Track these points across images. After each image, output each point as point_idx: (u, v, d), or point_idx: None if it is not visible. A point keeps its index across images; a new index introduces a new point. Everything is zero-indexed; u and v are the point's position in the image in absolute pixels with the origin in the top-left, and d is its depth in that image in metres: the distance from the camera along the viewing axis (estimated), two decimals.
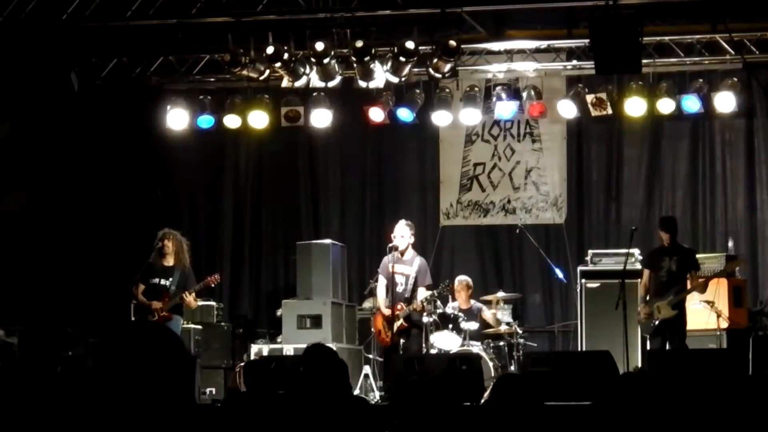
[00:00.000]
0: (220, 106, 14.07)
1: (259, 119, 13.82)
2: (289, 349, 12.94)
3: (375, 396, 12.20)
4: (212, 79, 14.25)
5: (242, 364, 12.59)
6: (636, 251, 12.49)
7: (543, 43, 13.51)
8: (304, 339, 12.48)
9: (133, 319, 11.97)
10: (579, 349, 12.87)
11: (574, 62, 13.69)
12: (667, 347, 11.45)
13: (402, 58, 12.22)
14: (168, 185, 15.44)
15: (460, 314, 12.53)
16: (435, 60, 12.38)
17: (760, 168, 14.02)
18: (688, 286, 11.56)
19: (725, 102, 13.27)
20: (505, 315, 13.26)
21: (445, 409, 4.87)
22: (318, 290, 13.60)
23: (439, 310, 12.28)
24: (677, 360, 10.31)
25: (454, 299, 12.99)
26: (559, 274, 13.47)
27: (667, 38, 13.09)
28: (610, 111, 13.51)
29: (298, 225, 15.22)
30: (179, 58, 13.91)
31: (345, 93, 13.76)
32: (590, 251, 13.48)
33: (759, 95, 13.72)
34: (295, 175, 15.34)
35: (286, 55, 12.29)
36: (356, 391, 11.72)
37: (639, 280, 11.92)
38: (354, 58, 12.37)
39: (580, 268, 13.27)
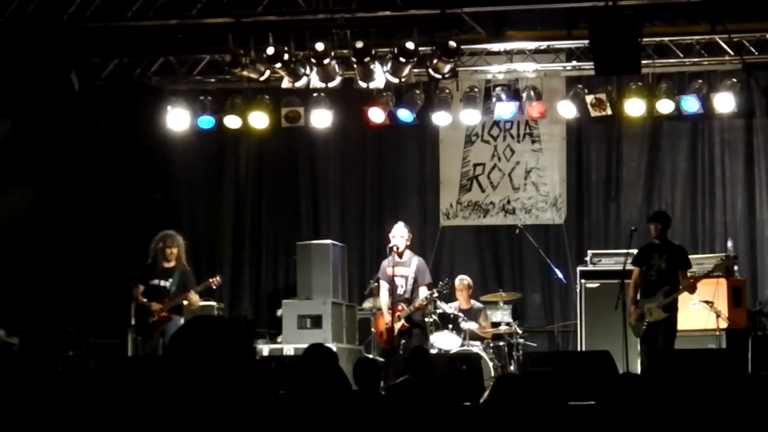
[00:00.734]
0: (221, 107, 14.08)
1: (259, 120, 13.84)
2: (289, 349, 12.96)
3: None
4: (212, 80, 14.25)
5: None
6: (635, 251, 12.47)
7: (543, 44, 13.52)
8: (304, 339, 12.51)
9: (133, 320, 11.99)
10: (579, 349, 12.88)
11: (574, 63, 13.70)
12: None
13: (402, 59, 12.23)
14: (168, 186, 15.46)
15: (460, 314, 12.55)
16: (435, 61, 12.39)
17: (760, 168, 14.04)
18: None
19: (724, 102, 13.28)
20: (505, 315, 13.29)
21: (444, 409, 4.89)
22: (318, 290, 13.62)
23: (439, 310, 12.30)
24: (677, 360, 10.30)
25: (454, 298, 13.01)
26: (559, 274, 13.49)
27: (666, 39, 13.10)
28: (609, 111, 13.52)
29: (298, 225, 15.23)
30: (179, 58, 13.91)
31: (345, 93, 13.77)
32: (590, 251, 13.50)
33: (758, 96, 13.73)
34: (295, 176, 15.35)
35: (286, 56, 12.30)
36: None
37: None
38: (354, 59, 12.38)
39: (579, 268, 13.28)
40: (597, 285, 12.91)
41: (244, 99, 13.90)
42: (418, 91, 13.85)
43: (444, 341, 12.15)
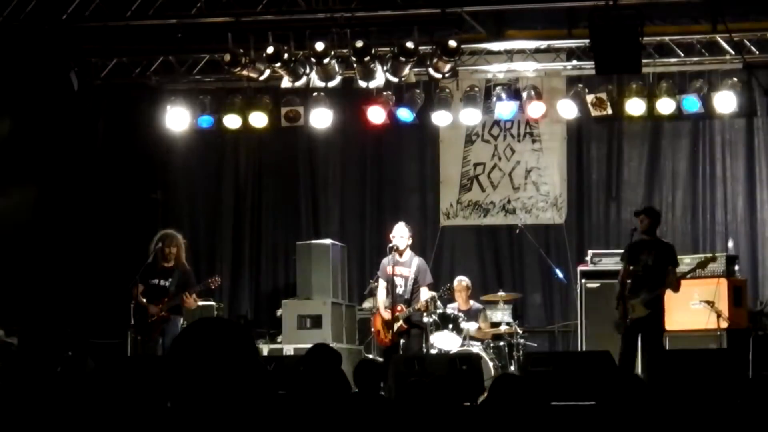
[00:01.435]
0: (220, 106, 14.07)
1: (259, 119, 13.83)
2: (289, 349, 12.94)
3: None
4: (212, 79, 14.25)
5: None
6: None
7: (543, 43, 13.50)
8: (304, 339, 12.52)
9: (132, 320, 11.96)
10: (579, 349, 12.86)
11: (574, 62, 13.68)
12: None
13: (402, 58, 12.22)
14: (167, 185, 15.43)
15: (460, 314, 12.53)
16: (435, 60, 12.39)
17: (760, 168, 14.01)
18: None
19: (725, 102, 13.27)
20: (505, 315, 13.27)
21: (444, 409, 4.87)
22: (318, 290, 13.60)
23: (439, 310, 12.28)
24: (677, 360, 10.26)
25: (453, 300, 12.99)
26: (559, 274, 13.48)
27: (667, 38, 13.09)
28: (610, 111, 13.52)
29: (298, 225, 15.21)
30: (179, 58, 13.90)
31: (345, 93, 13.76)
32: (590, 251, 13.47)
33: (759, 95, 13.71)
34: (295, 175, 15.33)
35: (286, 55, 12.29)
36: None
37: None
38: (354, 58, 12.37)
39: (580, 268, 13.26)
40: (597, 285, 12.89)
41: (244, 98, 13.89)
42: (418, 91, 13.84)
43: (444, 341, 12.13)
